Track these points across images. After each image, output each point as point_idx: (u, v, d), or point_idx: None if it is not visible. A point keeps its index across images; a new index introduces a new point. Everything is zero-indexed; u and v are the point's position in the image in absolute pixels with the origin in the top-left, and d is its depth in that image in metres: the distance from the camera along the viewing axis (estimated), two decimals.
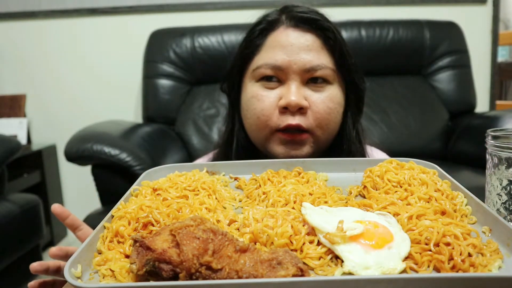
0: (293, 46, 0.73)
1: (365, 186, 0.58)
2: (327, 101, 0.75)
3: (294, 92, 0.72)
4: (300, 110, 0.73)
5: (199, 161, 0.99)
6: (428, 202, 0.50)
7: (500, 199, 0.54)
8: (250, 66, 0.79)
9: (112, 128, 1.59)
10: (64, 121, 2.24)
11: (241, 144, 0.84)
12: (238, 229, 0.46)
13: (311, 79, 0.75)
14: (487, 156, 0.57)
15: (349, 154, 0.79)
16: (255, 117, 0.76)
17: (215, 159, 0.90)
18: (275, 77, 0.76)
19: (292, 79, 0.74)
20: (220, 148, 0.89)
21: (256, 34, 0.78)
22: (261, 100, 0.75)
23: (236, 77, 0.83)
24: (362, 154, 0.83)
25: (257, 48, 0.78)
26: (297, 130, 0.74)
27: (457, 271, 0.38)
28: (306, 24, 0.75)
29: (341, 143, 0.81)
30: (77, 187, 2.32)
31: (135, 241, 0.39)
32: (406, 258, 0.40)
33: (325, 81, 0.76)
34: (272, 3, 1.99)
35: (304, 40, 0.74)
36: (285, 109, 0.73)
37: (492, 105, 2.21)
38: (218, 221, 0.48)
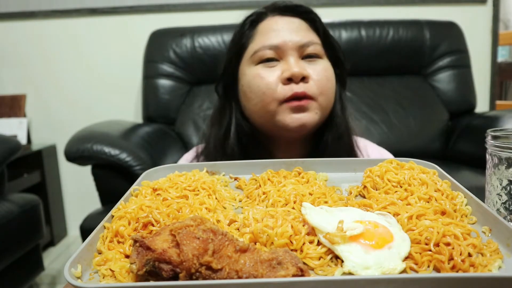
0: (284, 29, 0.82)
1: (365, 186, 0.58)
2: (324, 71, 0.83)
3: (295, 64, 0.79)
4: (303, 79, 0.79)
5: (185, 156, 1.00)
6: (428, 202, 0.50)
7: (500, 199, 0.54)
8: (246, 54, 0.85)
9: (112, 128, 1.59)
10: (64, 121, 2.24)
11: (244, 132, 0.87)
12: (238, 229, 0.46)
13: (306, 56, 0.83)
14: (487, 156, 0.57)
15: (335, 127, 0.87)
16: (260, 93, 0.81)
17: (206, 155, 0.91)
18: (274, 58, 0.82)
19: (289, 54, 0.81)
20: (212, 145, 0.90)
21: (247, 27, 0.86)
22: (264, 77, 0.81)
23: (232, 70, 0.88)
24: (347, 127, 0.90)
25: (250, 37, 0.85)
26: (303, 97, 0.80)
27: (457, 271, 0.38)
28: (291, 11, 0.84)
29: (334, 113, 0.88)
30: (77, 187, 2.32)
31: (135, 241, 0.39)
32: (406, 258, 0.40)
33: (317, 56, 0.84)
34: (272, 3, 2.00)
35: (292, 24, 0.83)
36: (289, 81, 0.79)
37: (492, 105, 2.21)
38: (218, 221, 0.48)
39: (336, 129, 0.87)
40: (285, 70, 0.79)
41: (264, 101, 0.80)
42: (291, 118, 0.80)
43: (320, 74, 0.81)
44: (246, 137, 0.87)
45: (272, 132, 0.86)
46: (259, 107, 0.82)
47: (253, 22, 0.85)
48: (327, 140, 0.87)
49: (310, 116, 0.80)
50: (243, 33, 0.86)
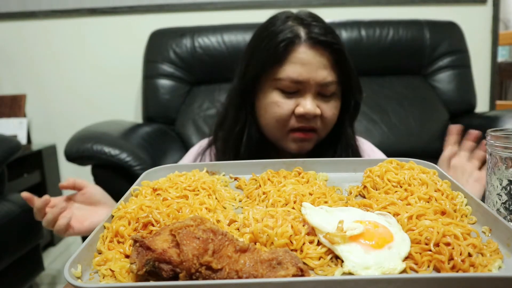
0: (312, 64, 0.86)
1: (365, 186, 0.58)
2: (333, 109, 0.90)
3: (310, 103, 0.86)
4: (314, 117, 0.88)
5: (194, 149, 1.06)
6: (428, 202, 0.50)
7: (500, 199, 0.54)
8: (271, 73, 0.89)
9: (112, 128, 1.59)
10: (64, 121, 2.24)
11: (254, 137, 0.94)
12: (238, 229, 0.46)
13: (322, 92, 0.89)
14: (487, 156, 0.57)
15: (347, 146, 0.96)
16: (273, 120, 0.89)
17: (218, 150, 0.98)
18: (294, 89, 0.88)
19: (308, 91, 0.87)
20: (225, 141, 0.96)
21: (280, 49, 0.86)
22: (280, 107, 0.88)
23: (253, 79, 0.91)
24: (355, 145, 0.98)
25: (279, 59, 0.87)
26: (308, 130, 0.89)
27: (457, 271, 0.38)
28: (323, 45, 0.86)
29: (339, 139, 0.97)
30: None
31: (135, 241, 0.39)
32: (406, 258, 0.40)
33: (332, 94, 0.90)
34: (272, 3, 2.01)
35: (320, 59, 0.86)
36: (302, 116, 0.87)
37: (492, 105, 2.21)
38: (218, 221, 0.48)
39: (346, 149, 0.96)
40: (301, 105, 0.86)
41: (275, 127, 0.90)
42: (294, 145, 0.91)
43: (329, 113, 0.90)
44: (256, 142, 0.94)
45: (280, 147, 0.95)
46: (269, 127, 0.92)
47: (286, 46, 0.86)
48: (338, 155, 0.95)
49: (309, 145, 0.92)
50: (274, 52, 0.86)
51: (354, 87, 0.92)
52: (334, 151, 0.96)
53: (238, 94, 0.95)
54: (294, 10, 0.95)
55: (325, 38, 0.86)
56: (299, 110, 0.86)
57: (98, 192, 0.85)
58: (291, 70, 0.86)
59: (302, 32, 0.87)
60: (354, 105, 0.96)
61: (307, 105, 0.86)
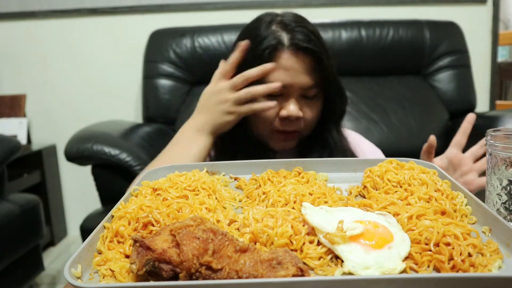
0: (295, 70, 0.89)
1: (365, 186, 0.58)
2: (314, 111, 0.95)
3: (293, 106, 0.90)
4: (297, 119, 0.91)
5: None
6: (428, 202, 0.50)
7: (500, 199, 0.54)
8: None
9: (112, 128, 1.59)
10: (64, 121, 2.24)
11: (248, 136, 0.97)
12: (238, 229, 0.46)
13: (305, 95, 0.93)
14: (487, 156, 0.57)
15: (335, 145, 0.99)
16: (259, 122, 0.94)
17: (217, 149, 0.99)
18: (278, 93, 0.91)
19: (291, 94, 0.91)
20: (222, 140, 0.98)
21: (264, 56, 0.89)
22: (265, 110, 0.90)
23: None
24: (343, 141, 1.01)
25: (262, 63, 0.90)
26: (292, 132, 0.94)
27: (457, 271, 0.38)
28: (305, 51, 0.89)
29: (325, 139, 1.00)
30: (77, 187, 2.32)
31: (135, 241, 0.39)
32: (406, 258, 0.40)
33: (314, 96, 0.94)
34: (271, 3, 2.01)
35: (303, 64, 0.90)
36: (285, 118, 0.91)
37: (492, 105, 2.21)
38: (218, 221, 0.48)
39: (333, 152, 0.98)
40: (285, 109, 0.90)
41: (260, 128, 0.95)
42: (278, 144, 0.96)
43: (311, 113, 0.94)
44: (249, 141, 0.97)
45: (263, 142, 0.99)
46: (255, 128, 0.96)
47: (270, 52, 0.89)
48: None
49: (292, 143, 0.97)
50: (259, 56, 0.89)
51: (334, 91, 0.96)
52: (320, 153, 0.98)
53: None
54: (279, 11, 0.97)
55: (307, 45, 0.89)
56: (283, 113, 0.90)
57: None
58: (275, 76, 0.89)
59: (285, 38, 0.89)
60: (337, 108, 0.99)
61: (290, 108, 0.90)
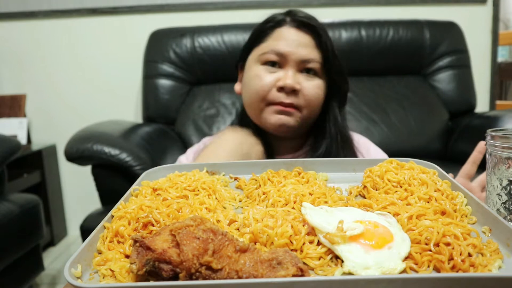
0: (294, 41, 0.91)
1: (365, 186, 0.58)
2: (315, 88, 0.93)
3: (290, 77, 0.90)
4: (294, 91, 0.91)
5: (194, 148, 1.09)
6: (428, 202, 0.50)
7: (500, 199, 0.54)
8: (256, 51, 0.96)
9: (112, 128, 1.59)
10: (64, 121, 2.24)
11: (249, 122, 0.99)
12: (238, 229, 0.46)
13: (305, 70, 0.93)
14: (487, 156, 0.57)
15: (336, 134, 0.98)
16: (254, 92, 0.93)
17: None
18: (277, 63, 0.93)
19: (290, 66, 0.91)
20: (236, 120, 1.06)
21: (265, 29, 0.95)
22: (262, 80, 0.92)
23: (244, 58, 1.00)
24: (347, 134, 1.00)
25: (264, 38, 0.95)
26: (289, 106, 0.92)
27: (457, 271, 0.38)
28: (306, 27, 0.93)
29: (328, 126, 0.99)
30: (77, 187, 2.32)
31: (135, 241, 0.39)
32: (406, 258, 0.40)
33: (315, 73, 0.94)
34: (272, 3, 2.01)
35: (303, 38, 0.92)
36: (282, 89, 0.91)
37: (492, 105, 2.21)
38: (218, 221, 0.48)
39: (334, 141, 0.97)
40: (281, 79, 0.90)
41: (255, 99, 0.93)
42: (274, 118, 0.93)
43: (311, 91, 0.92)
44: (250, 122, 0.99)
45: (258, 123, 0.98)
46: (250, 102, 0.95)
47: (271, 27, 0.95)
48: (329, 150, 0.97)
49: (290, 120, 0.93)
50: (262, 31, 0.96)
51: (336, 70, 0.96)
52: (322, 136, 0.99)
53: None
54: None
55: (308, 21, 0.93)
56: (279, 83, 0.91)
57: None
58: (274, 43, 0.92)
59: (288, 17, 0.95)
60: (340, 90, 1.00)
61: (287, 78, 0.90)
